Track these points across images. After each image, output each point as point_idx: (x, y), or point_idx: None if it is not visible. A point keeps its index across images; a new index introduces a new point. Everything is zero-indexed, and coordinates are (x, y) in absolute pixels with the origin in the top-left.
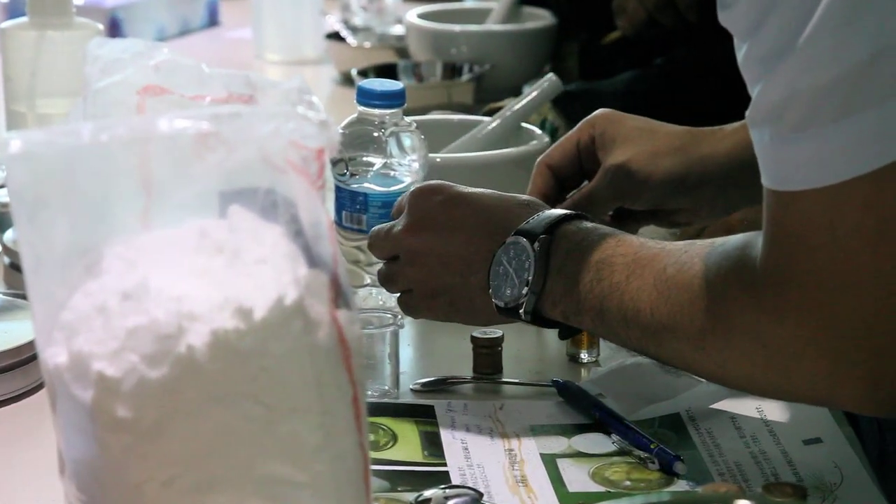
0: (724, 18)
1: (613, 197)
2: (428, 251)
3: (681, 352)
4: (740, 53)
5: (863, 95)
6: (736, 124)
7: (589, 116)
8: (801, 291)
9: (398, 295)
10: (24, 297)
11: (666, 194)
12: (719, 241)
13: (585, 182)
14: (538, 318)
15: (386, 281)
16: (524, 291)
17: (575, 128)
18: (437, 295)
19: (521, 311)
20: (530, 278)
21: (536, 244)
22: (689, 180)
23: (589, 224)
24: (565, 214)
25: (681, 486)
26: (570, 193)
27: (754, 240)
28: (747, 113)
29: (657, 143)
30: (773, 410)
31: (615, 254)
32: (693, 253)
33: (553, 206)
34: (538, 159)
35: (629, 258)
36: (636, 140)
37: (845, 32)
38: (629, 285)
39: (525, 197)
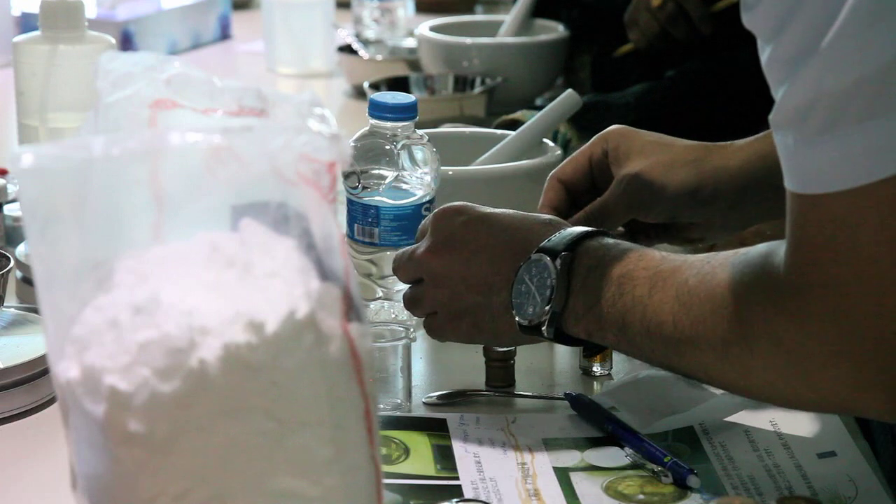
0: (748, 20)
1: (627, 207)
2: (451, 273)
3: (703, 363)
4: (764, 55)
5: (887, 98)
6: (747, 139)
7: (602, 132)
8: (824, 297)
9: (423, 318)
10: (36, 311)
11: (679, 206)
12: (742, 250)
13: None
14: (561, 336)
15: (411, 304)
16: (546, 309)
17: (588, 143)
18: (461, 316)
19: (543, 328)
20: (552, 296)
21: (558, 261)
22: (702, 193)
23: (610, 240)
24: (587, 231)
25: (694, 499)
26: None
27: (777, 247)
28: (771, 116)
29: (671, 154)
30: (788, 424)
31: (637, 268)
32: (715, 263)
33: (565, 221)
34: (550, 174)
35: (651, 271)
36: (650, 152)
37: (869, 34)
38: (651, 298)
39: (547, 216)
